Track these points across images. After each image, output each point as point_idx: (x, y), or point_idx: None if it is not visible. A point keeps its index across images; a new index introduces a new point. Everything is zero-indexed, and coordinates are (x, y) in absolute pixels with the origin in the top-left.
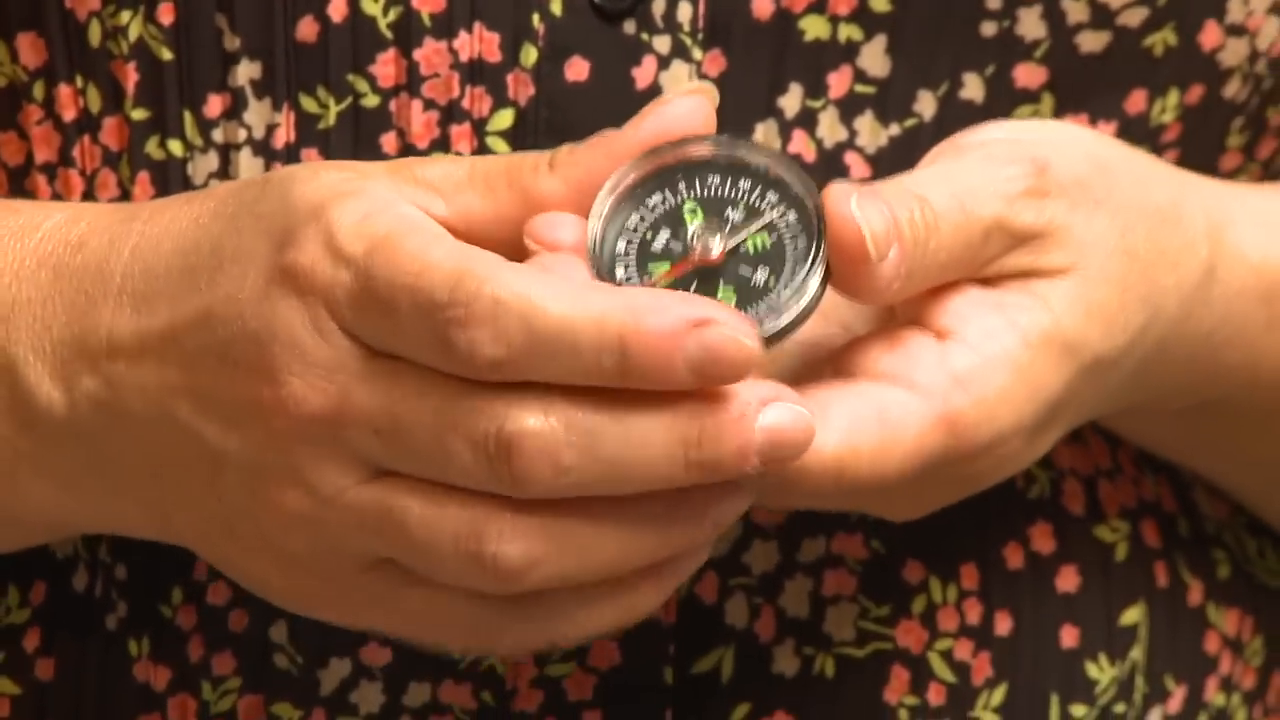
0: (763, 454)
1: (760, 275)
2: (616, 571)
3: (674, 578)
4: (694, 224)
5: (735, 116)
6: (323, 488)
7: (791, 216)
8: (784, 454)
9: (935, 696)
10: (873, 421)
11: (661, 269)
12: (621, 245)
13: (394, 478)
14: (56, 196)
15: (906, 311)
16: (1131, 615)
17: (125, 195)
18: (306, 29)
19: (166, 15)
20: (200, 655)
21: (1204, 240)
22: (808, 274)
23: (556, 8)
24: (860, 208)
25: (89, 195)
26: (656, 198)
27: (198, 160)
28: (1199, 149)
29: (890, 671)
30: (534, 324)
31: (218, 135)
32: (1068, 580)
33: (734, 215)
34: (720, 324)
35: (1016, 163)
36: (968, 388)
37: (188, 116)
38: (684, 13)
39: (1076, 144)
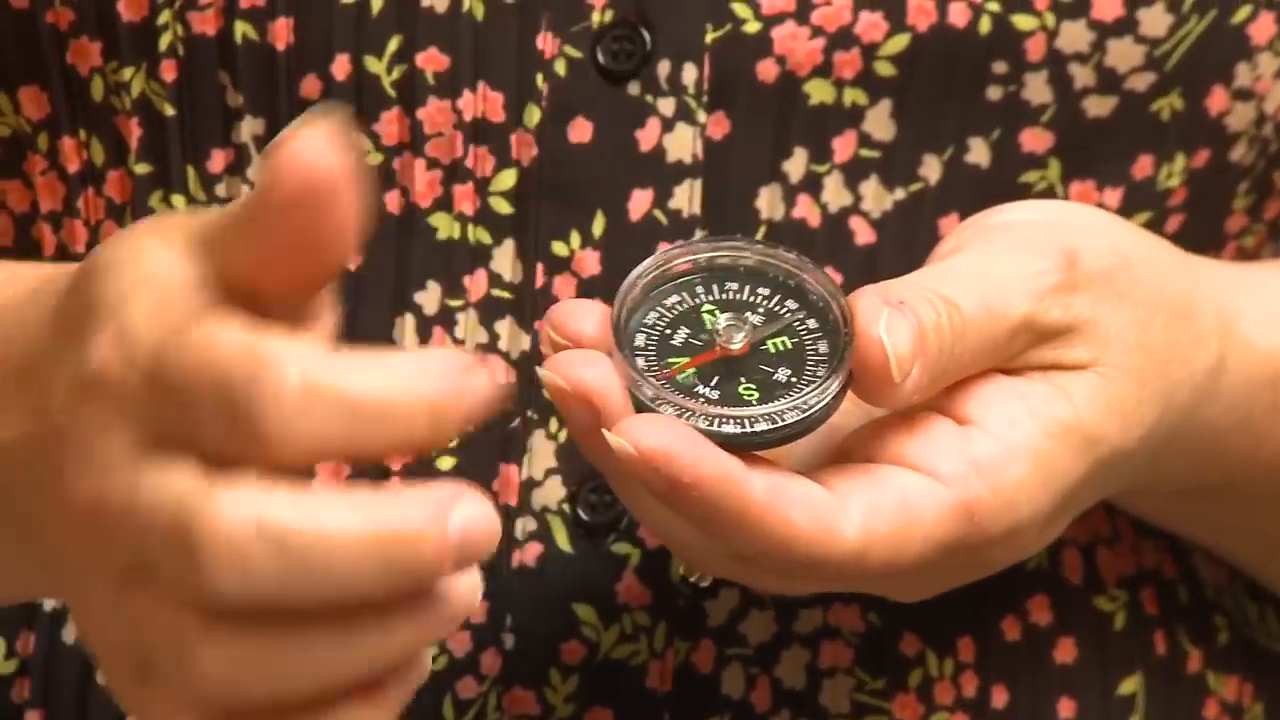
0: (457, 552)
1: (782, 374)
2: (326, 686)
3: (392, 694)
4: (713, 322)
5: (739, 180)
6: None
7: (812, 323)
8: (476, 551)
9: None
10: (893, 509)
11: (681, 362)
12: (641, 340)
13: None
14: (61, 246)
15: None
16: (1129, 685)
17: None
18: (310, 87)
19: (169, 72)
20: None
21: (1214, 333)
22: (830, 376)
23: (560, 68)
24: (889, 331)
25: (94, 246)
26: (674, 298)
27: None
28: (1205, 213)
29: None
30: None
31: (221, 190)
32: (1065, 652)
33: (754, 319)
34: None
35: (1047, 255)
36: (987, 476)
37: (190, 172)
38: (689, 75)
39: (1104, 235)
